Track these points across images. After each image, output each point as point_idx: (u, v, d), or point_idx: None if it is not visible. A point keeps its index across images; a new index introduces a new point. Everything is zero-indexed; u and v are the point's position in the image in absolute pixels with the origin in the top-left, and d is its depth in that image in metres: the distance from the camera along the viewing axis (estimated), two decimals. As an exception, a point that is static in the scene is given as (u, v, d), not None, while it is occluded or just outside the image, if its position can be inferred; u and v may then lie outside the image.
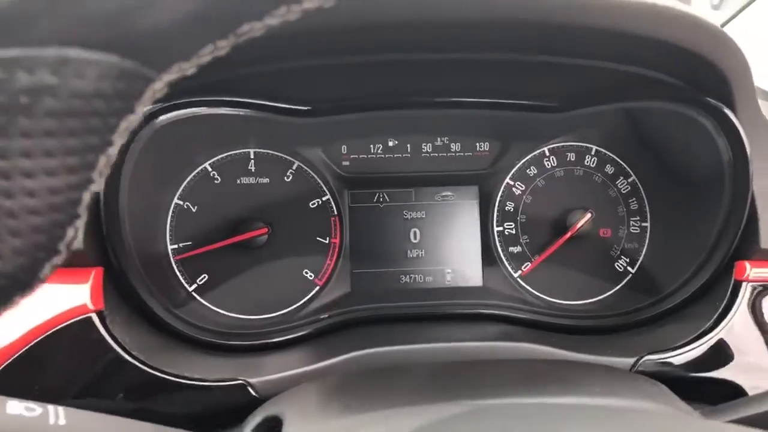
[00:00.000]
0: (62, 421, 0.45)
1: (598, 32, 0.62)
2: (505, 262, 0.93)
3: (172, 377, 0.68)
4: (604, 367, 0.67)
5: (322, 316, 0.87)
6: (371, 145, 0.91)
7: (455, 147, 0.92)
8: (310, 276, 0.90)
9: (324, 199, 0.90)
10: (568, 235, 0.91)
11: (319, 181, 0.90)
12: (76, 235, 0.27)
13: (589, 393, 0.53)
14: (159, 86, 0.27)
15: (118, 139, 0.27)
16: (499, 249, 0.93)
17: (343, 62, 0.66)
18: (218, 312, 0.87)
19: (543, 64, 0.75)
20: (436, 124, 0.91)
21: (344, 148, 0.91)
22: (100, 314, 0.67)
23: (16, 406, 0.44)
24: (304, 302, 0.89)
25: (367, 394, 0.54)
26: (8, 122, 0.24)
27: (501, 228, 0.93)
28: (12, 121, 0.24)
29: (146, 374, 0.68)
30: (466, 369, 0.59)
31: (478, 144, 0.92)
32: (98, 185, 0.27)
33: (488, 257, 0.93)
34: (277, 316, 0.88)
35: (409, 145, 0.91)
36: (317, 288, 0.90)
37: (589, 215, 0.91)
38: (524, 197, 0.93)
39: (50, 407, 0.46)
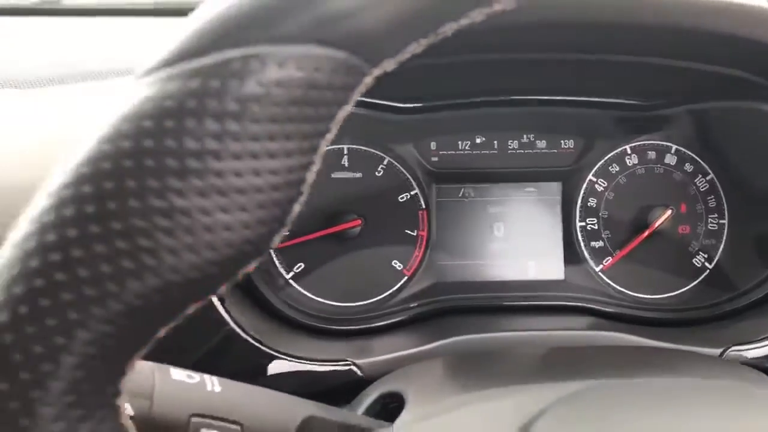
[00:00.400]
0: (217, 389, 0.50)
1: (701, 34, 0.64)
2: (587, 257, 0.96)
3: (285, 356, 0.73)
4: (701, 354, 0.69)
5: (411, 305, 0.91)
6: (459, 142, 0.94)
7: (540, 144, 0.95)
8: (399, 266, 0.93)
9: (412, 193, 0.94)
10: (650, 231, 0.93)
11: (409, 176, 0.94)
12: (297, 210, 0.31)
13: (696, 376, 0.56)
14: (369, 80, 0.31)
15: (334, 128, 0.31)
16: (582, 244, 0.96)
17: (465, 60, 0.70)
18: (313, 299, 0.91)
19: (632, 64, 0.78)
20: (523, 121, 0.94)
21: (433, 145, 0.94)
22: (219, 296, 0.72)
23: (179, 374, 0.48)
24: (393, 291, 0.93)
25: (484, 373, 0.58)
26: (261, 109, 0.28)
27: (583, 223, 0.96)
28: (264, 109, 0.28)
29: (262, 353, 0.72)
30: (574, 353, 0.63)
31: (563, 141, 0.95)
32: (317, 166, 0.31)
33: (570, 251, 0.96)
34: (368, 303, 0.92)
35: (495, 142, 0.95)
36: (405, 278, 0.93)
37: (669, 212, 0.94)
38: (606, 194, 0.96)
39: (206, 376, 0.50)
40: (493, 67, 0.76)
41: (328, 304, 0.91)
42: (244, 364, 0.73)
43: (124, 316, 0.27)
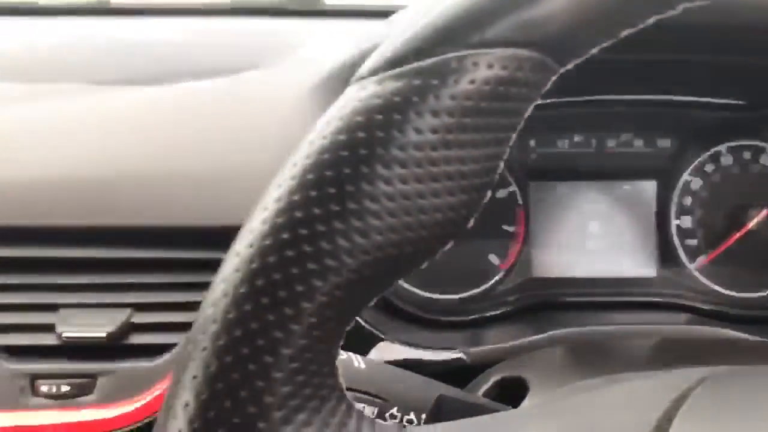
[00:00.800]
0: (362, 366, 0.53)
1: None
2: (681, 255, 0.97)
3: (401, 344, 0.76)
4: None
5: (508, 299, 0.94)
6: (558, 140, 0.97)
7: (638, 143, 0.97)
8: (496, 261, 0.96)
9: (510, 189, 0.96)
10: (745, 230, 0.95)
11: (507, 173, 0.96)
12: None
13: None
14: (554, 79, 0.34)
15: (521, 122, 0.34)
16: (676, 242, 0.97)
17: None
18: (409, 289, 0.94)
19: (734, 65, 0.79)
20: (622, 120, 0.96)
21: (532, 142, 0.97)
22: None
23: None
24: (491, 285, 0.95)
25: (607, 361, 0.60)
26: (472, 104, 0.31)
27: (678, 222, 0.97)
28: (474, 104, 0.31)
29: (374, 336, 0.76)
30: (690, 343, 0.64)
31: (659, 141, 0.97)
32: (506, 156, 0.34)
33: (664, 249, 0.97)
34: (466, 296, 0.95)
35: (594, 141, 0.97)
36: (502, 273, 0.96)
37: (765, 211, 0.95)
38: (701, 193, 0.97)
39: (351, 354, 0.54)
40: (608, 66, 0.78)
41: (422, 295, 0.94)
42: (353, 347, 0.77)
43: (353, 284, 0.31)
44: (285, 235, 0.30)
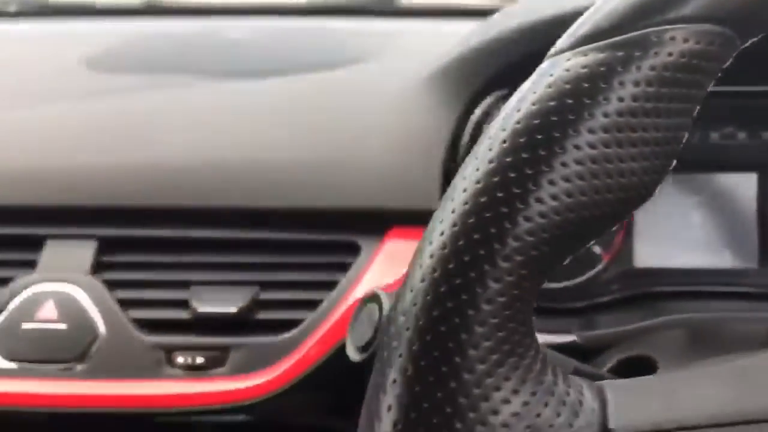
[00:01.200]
0: None
1: None
2: None
3: None
4: None
5: (611, 288, 0.96)
6: None
7: (741, 135, 0.98)
8: (598, 251, 0.98)
9: None
10: None
11: None
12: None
13: None
14: (734, 55, 0.37)
15: (705, 95, 0.36)
16: None
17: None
18: None
19: None
20: (725, 112, 0.97)
21: (635, 135, 0.98)
22: None
23: None
24: (594, 274, 0.97)
25: (729, 341, 0.62)
26: (670, 75, 0.34)
27: None
28: (672, 75, 0.34)
29: None
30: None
31: (763, 133, 0.97)
32: (690, 128, 0.36)
33: (766, 241, 0.98)
34: (569, 285, 0.97)
35: (697, 133, 0.98)
36: (605, 262, 0.98)
37: None
38: None
39: None
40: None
41: None
42: None
43: (556, 240, 0.33)
44: (499, 194, 0.33)
